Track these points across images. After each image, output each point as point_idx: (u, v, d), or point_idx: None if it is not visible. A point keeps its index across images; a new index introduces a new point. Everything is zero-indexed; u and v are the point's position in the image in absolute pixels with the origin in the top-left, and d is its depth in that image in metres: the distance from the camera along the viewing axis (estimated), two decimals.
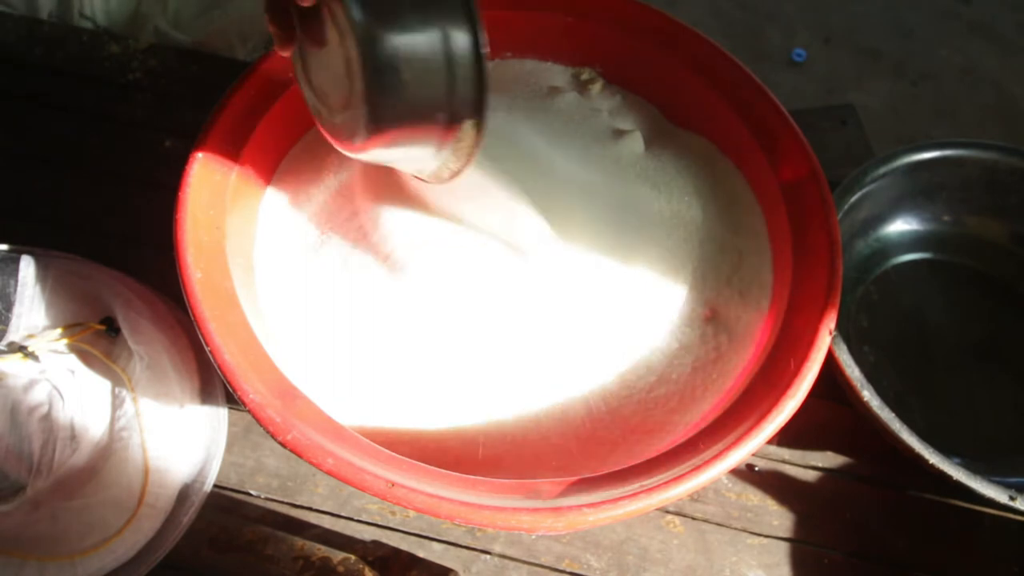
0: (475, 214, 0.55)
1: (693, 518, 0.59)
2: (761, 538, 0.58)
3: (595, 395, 0.55)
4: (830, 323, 0.50)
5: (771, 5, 1.85)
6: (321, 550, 0.55)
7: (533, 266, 0.54)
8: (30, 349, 0.57)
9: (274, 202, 0.62)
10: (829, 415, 0.62)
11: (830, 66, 1.76)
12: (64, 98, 0.75)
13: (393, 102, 0.41)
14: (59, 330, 0.58)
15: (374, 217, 0.61)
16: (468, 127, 0.43)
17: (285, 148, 0.63)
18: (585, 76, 0.69)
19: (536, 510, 0.43)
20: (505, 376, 0.54)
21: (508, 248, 0.54)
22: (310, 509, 0.58)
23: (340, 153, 0.54)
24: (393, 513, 0.58)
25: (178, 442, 0.56)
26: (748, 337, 0.55)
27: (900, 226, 0.70)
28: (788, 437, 0.61)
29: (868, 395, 0.55)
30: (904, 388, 0.64)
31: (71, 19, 0.85)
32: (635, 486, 0.44)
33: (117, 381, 0.57)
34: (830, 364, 0.53)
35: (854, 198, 0.63)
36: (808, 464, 0.61)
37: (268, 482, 0.58)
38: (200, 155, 0.54)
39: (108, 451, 0.54)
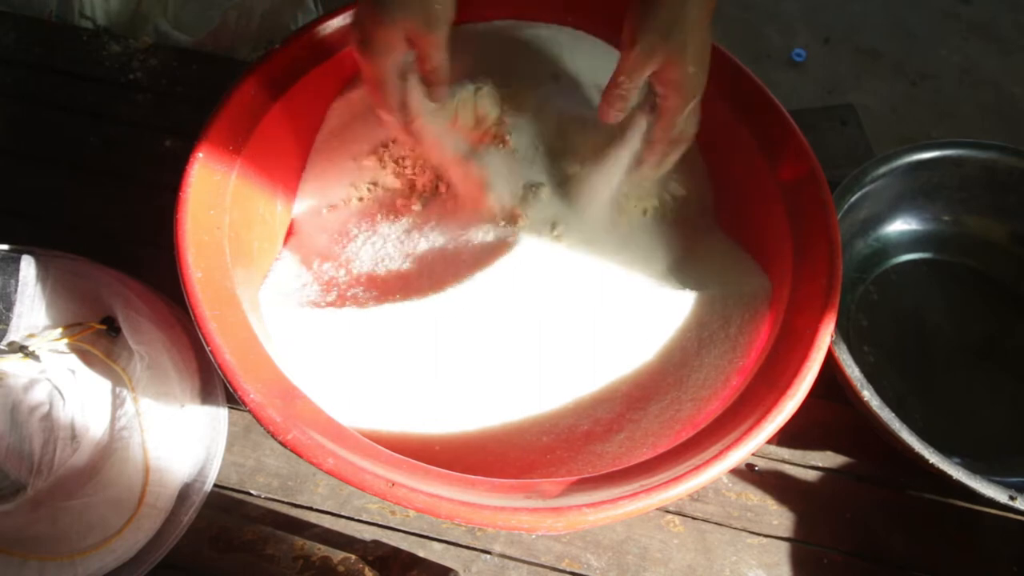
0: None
1: (693, 518, 0.59)
2: (761, 538, 0.58)
3: (593, 398, 0.55)
4: (830, 323, 0.50)
5: (771, 5, 1.85)
6: (321, 550, 0.55)
7: (534, 272, 0.54)
8: (30, 349, 0.57)
9: (275, 203, 0.62)
10: (829, 415, 0.62)
11: (830, 66, 1.77)
12: (64, 98, 0.75)
13: None
14: (59, 330, 0.58)
15: (378, 221, 0.61)
16: None
17: (286, 147, 0.63)
18: None
19: (536, 510, 0.43)
20: (504, 380, 0.54)
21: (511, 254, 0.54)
22: (310, 509, 0.58)
23: (345, 154, 0.53)
24: (393, 513, 0.58)
25: (178, 442, 0.56)
26: (748, 337, 0.55)
27: (900, 226, 0.70)
28: (788, 437, 0.62)
29: (868, 395, 0.55)
30: (904, 388, 0.64)
31: (71, 19, 0.85)
32: (635, 486, 0.44)
33: (117, 381, 0.57)
34: (830, 364, 0.53)
35: (854, 198, 0.63)
36: (808, 464, 0.61)
37: (268, 482, 0.58)
38: (200, 155, 0.54)
39: (108, 451, 0.54)
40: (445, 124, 0.56)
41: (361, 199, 0.61)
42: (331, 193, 0.62)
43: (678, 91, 0.51)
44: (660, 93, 0.52)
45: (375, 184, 0.61)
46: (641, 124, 0.54)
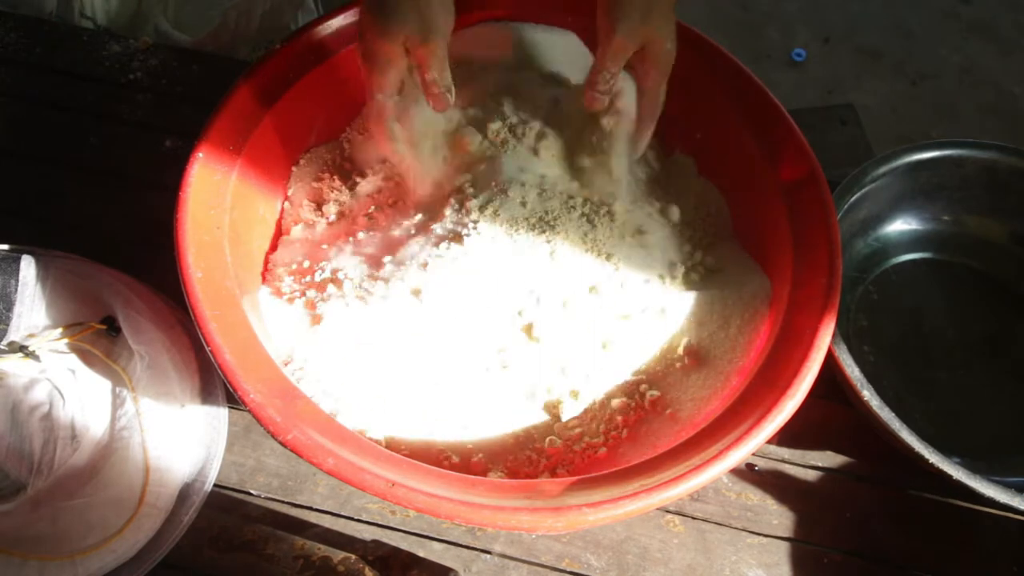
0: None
1: (693, 517, 0.59)
2: (761, 537, 0.58)
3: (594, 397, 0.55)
4: (830, 323, 0.50)
5: (771, 5, 1.85)
6: (321, 549, 0.55)
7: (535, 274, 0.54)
8: (31, 348, 0.57)
9: (275, 203, 0.62)
10: (829, 415, 0.62)
11: (830, 66, 1.77)
12: (64, 98, 0.75)
13: None
14: (59, 329, 0.58)
15: (381, 233, 0.61)
16: None
17: (286, 147, 0.63)
18: None
19: (536, 510, 0.43)
20: (504, 379, 0.54)
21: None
22: (310, 509, 0.58)
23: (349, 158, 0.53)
24: (393, 513, 0.58)
25: (179, 441, 0.56)
26: (748, 337, 0.55)
27: (900, 226, 0.70)
28: (788, 437, 0.62)
29: (868, 395, 0.55)
30: (904, 388, 0.64)
31: (71, 19, 0.85)
32: (635, 486, 0.44)
33: (118, 380, 0.57)
34: (830, 364, 0.53)
35: (854, 198, 0.63)
36: (808, 464, 0.61)
37: (268, 481, 0.58)
38: (200, 155, 0.54)
39: (109, 450, 0.54)
40: (429, 155, 0.57)
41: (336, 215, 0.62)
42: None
43: (658, 67, 0.55)
44: (641, 72, 0.55)
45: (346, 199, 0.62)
46: (626, 108, 0.57)
